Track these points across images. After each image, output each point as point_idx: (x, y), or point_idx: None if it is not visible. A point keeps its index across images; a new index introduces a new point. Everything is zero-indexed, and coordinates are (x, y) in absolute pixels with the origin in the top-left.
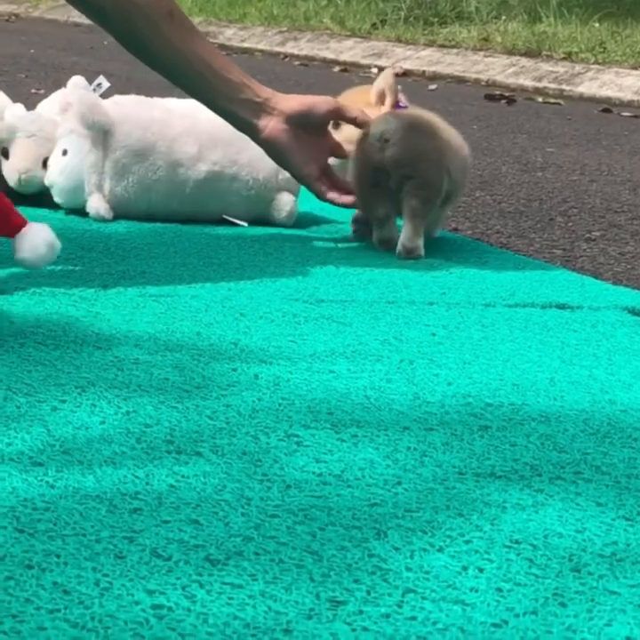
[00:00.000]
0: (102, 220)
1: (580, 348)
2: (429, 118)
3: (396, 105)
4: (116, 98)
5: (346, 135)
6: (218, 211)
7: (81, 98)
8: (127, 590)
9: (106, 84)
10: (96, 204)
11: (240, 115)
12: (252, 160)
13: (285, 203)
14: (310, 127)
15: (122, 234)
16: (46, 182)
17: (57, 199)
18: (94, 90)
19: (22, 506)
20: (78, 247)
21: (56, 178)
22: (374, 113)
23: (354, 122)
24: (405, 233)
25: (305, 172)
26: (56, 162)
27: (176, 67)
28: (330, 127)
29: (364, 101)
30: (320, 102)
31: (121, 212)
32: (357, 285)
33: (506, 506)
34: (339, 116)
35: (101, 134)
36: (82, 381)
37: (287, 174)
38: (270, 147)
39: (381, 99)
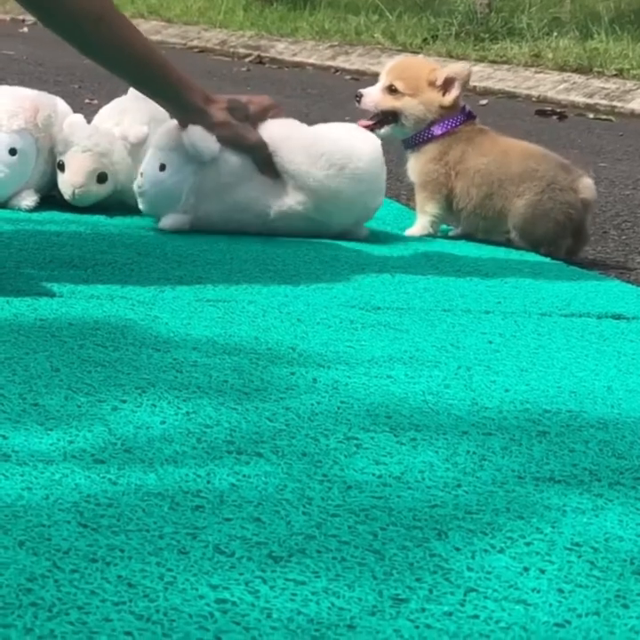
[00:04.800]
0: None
1: (636, 358)
2: None
3: (462, 109)
4: None
5: (425, 99)
6: (292, 233)
7: (189, 131)
8: (191, 585)
9: None
10: (173, 221)
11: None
12: (335, 210)
13: (357, 233)
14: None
15: (177, 240)
16: (136, 188)
17: (142, 207)
18: None
19: (85, 502)
20: (135, 253)
21: (148, 189)
22: (430, 94)
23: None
24: None
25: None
26: (151, 173)
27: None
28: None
29: (416, 75)
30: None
31: (203, 228)
32: (413, 293)
33: (566, 509)
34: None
35: (206, 160)
36: (142, 382)
37: (370, 213)
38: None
39: (446, 86)
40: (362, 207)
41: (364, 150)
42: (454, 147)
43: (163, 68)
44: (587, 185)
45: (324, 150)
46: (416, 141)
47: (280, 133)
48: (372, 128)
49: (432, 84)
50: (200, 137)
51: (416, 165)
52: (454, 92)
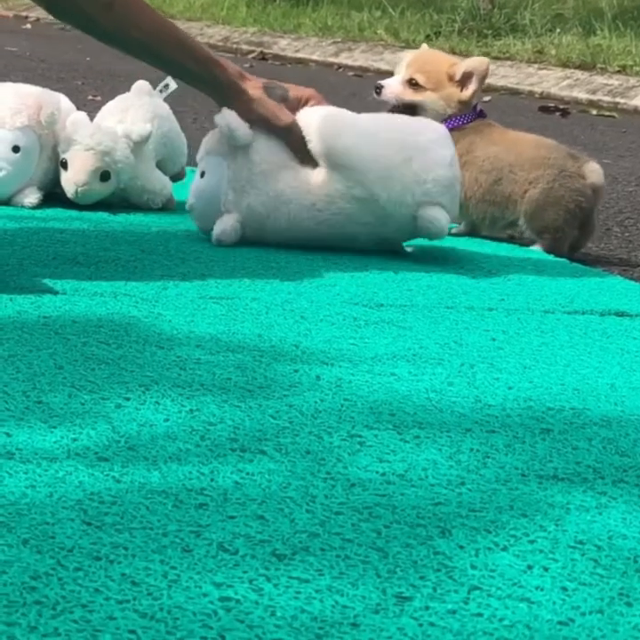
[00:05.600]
0: (224, 243)
1: (639, 355)
2: None
3: (474, 108)
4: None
5: (446, 94)
6: (353, 233)
7: (223, 113)
8: (195, 583)
9: (173, 85)
10: (223, 226)
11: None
12: (375, 180)
13: (431, 220)
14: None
15: (181, 237)
16: (187, 207)
17: (196, 225)
18: (161, 91)
19: (89, 499)
20: (138, 250)
21: (194, 202)
22: (450, 89)
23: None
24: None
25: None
26: (194, 185)
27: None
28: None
29: (437, 69)
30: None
31: (255, 232)
32: (416, 290)
33: (569, 507)
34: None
35: (240, 149)
36: (145, 380)
37: (428, 187)
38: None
39: (465, 81)
40: (412, 178)
41: (401, 121)
42: (461, 140)
43: (187, 47)
44: (593, 169)
45: (351, 122)
46: None
47: (310, 117)
48: None
49: (451, 78)
50: (234, 117)
51: None
52: (472, 87)
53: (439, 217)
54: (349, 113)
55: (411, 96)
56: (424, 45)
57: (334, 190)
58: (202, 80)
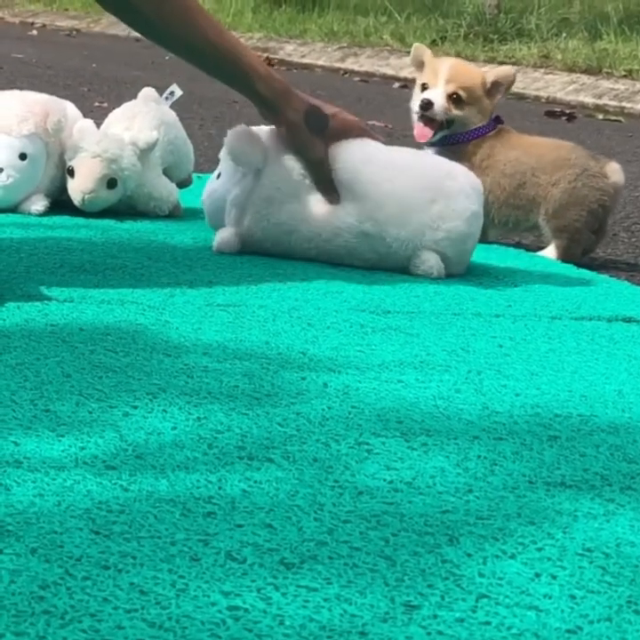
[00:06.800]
0: (224, 252)
1: None
2: None
3: (496, 116)
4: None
5: (482, 107)
6: (349, 264)
7: (234, 131)
8: (203, 592)
9: (179, 92)
10: (223, 236)
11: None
12: (390, 217)
13: (424, 261)
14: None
15: (188, 244)
16: (202, 201)
17: (206, 218)
18: (166, 98)
19: (97, 508)
20: (145, 257)
21: (205, 199)
22: (485, 102)
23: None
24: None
25: (318, 159)
26: (209, 183)
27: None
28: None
29: (474, 83)
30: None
31: (252, 249)
32: (423, 297)
33: (577, 515)
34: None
35: (246, 170)
36: (152, 388)
37: (438, 235)
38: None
39: (493, 90)
40: (428, 221)
41: (434, 160)
42: (482, 145)
43: (233, 54)
44: (615, 169)
45: (381, 155)
46: (448, 141)
47: (341, 146)
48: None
49: (484, 89)
50: (239, 143)
51: None
52: (498, 97)
53: (431, 263)
54: (383, 146)
55: (454, 111)
56: (414, 45)
57: (343, 223)
58: (243, 90)
